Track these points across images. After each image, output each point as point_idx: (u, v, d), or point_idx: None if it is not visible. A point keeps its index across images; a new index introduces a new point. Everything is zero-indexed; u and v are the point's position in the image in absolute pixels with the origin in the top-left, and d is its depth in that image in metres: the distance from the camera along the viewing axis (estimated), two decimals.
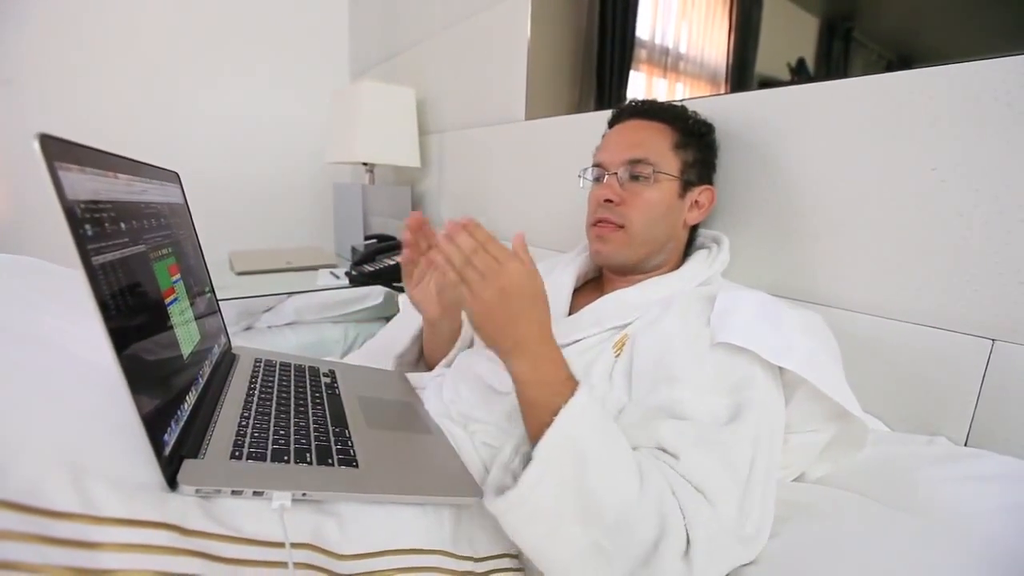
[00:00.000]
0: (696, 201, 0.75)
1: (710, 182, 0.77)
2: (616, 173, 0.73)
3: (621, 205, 0.72)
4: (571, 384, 0.50)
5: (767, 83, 0.78)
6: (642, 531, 0.45)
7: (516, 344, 0.51)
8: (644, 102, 0.78)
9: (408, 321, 1.00)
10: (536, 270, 0.53)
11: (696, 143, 0.75)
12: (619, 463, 0.47)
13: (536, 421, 0.49)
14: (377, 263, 1.46)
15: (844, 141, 0.68)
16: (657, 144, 0.72)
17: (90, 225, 0.35)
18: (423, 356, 0.86)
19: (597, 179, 0.77)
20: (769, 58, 0.79)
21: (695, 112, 0.77)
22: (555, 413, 0.46)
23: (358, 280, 1.44)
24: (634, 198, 0.72)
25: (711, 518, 0.46)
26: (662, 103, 0.78)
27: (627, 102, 0.80)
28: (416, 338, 0.86)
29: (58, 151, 0.33)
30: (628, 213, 0.71)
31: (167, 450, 0.39)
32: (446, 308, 0.76)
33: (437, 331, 0.79)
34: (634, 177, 0.72)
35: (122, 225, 0.41)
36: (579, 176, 0.81)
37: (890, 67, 0.65)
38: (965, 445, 0.60)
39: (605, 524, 0.45)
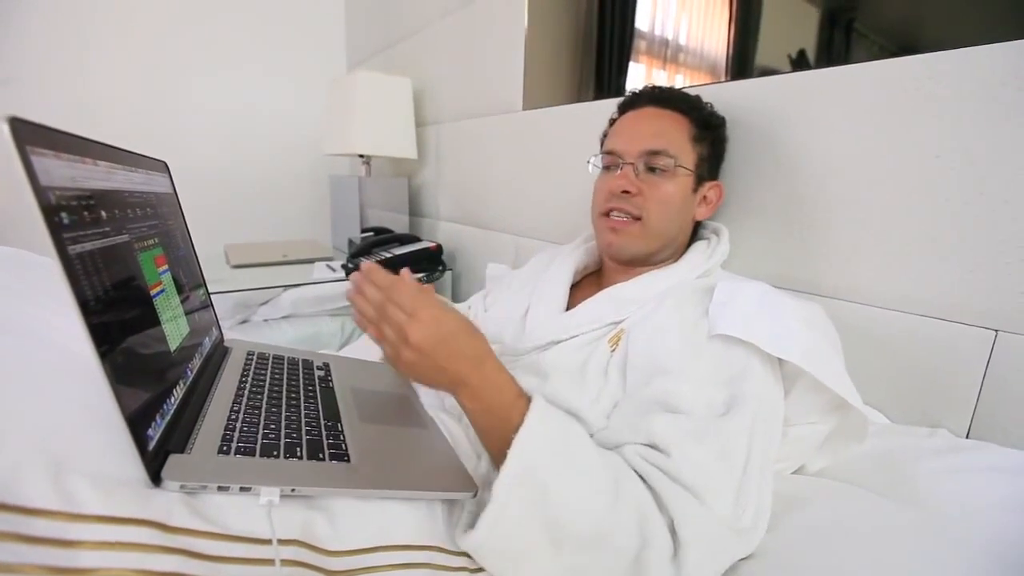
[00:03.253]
0: (705, 196, 0.73)
1: (717, 177, 0.76)
2: (632, 163, 0.70)
3: (638, 196, 0.69)
4: (521, 404, 0.48)
5: (767, 75, 0.77)
6: (619, 542, 0.45)
7: (453, 383, 0.50)
8: (662, 89, 0.75)
9: None
10: (445, 307, 0.51)
11: (711, 136, 0.73)
12: (587, 479, 0.46)
13: (494, 448, 0.48)
14: (374, 256, 1.44)
15: (846, 129, 0.67)
16: (676, 135, 0.70)
17: (66, 213, 0.34)
18: None
19: (608, 167, 0.74)
20: (769, 50, 0.77)
21: (709, 103, 0.75)
22: (508, 438, 0.45)
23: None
24: (652, 190, 0.69)
25: (702, 515, 0.46)
26: (679, 91, 0.75)
27: (644, 87, 0.77)
28: None
29: (30, 135, 0.32)
30: (645, 205, 0.69)
31: (152, 445, 0.38)
32: None
33: None
34: (651, 168, 0.69)
35: (103, 214, 0.40)
36: (588, 162, 0.78)
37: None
38: (967, 437, 0.59)
39: (578, 545, 0.44)
